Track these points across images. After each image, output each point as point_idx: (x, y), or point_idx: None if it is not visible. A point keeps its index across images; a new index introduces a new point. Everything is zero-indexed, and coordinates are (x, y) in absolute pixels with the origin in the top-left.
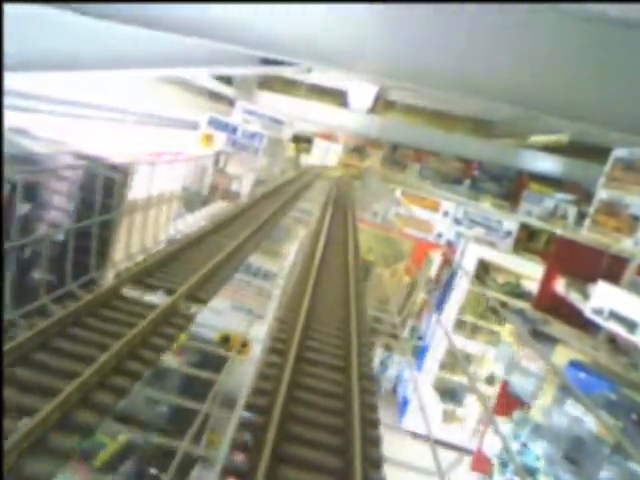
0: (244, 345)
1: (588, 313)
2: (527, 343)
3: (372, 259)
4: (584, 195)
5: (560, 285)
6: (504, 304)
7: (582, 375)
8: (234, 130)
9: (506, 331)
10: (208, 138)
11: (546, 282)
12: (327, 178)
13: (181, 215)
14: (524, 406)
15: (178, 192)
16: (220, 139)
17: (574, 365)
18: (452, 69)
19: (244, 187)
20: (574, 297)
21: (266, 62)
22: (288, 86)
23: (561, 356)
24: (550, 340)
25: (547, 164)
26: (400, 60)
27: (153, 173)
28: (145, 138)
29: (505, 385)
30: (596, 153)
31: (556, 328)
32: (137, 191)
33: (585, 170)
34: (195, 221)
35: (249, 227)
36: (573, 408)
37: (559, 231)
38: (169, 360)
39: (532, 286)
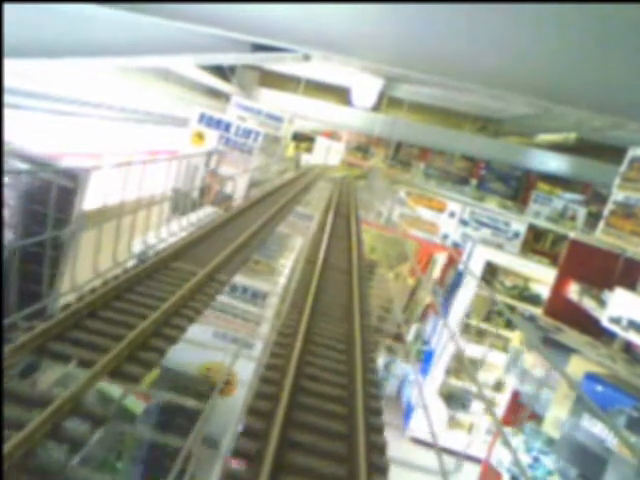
0: (228, 382)
1: (605, 322)
2: (539, 352)
3: (375, 259)
4: (594, 195)
5: (573, 291)
6: (512, 308)
7: (600, 388)
8: (227, 127)
9: (516, 338)
10: (199, 136)
11: (558, 287)
12: (329, 179)
13: (168, 220)
14: (536, 418)
15: (164, 195)
16: (212, 137)
17: (591, 377)
18: (457, 56)
19: (238, 189)
20: (588, 304)
21: (258, 49)
22: (290, 83)
23: (576, 367)
24: (564, 349)
25: (555, 163)
26: (403, 48)
27: (124, 176)
28: (135, 136)
29: (515, 395)
30: (606, 152)
31: (569, 336)
32: (98, 199)
33: (594, 170)
34: (176, 230)
35: (237, 238)
36: (590, 424)
37: (572, 234)
38: (132, 405)
39: (541, 289)
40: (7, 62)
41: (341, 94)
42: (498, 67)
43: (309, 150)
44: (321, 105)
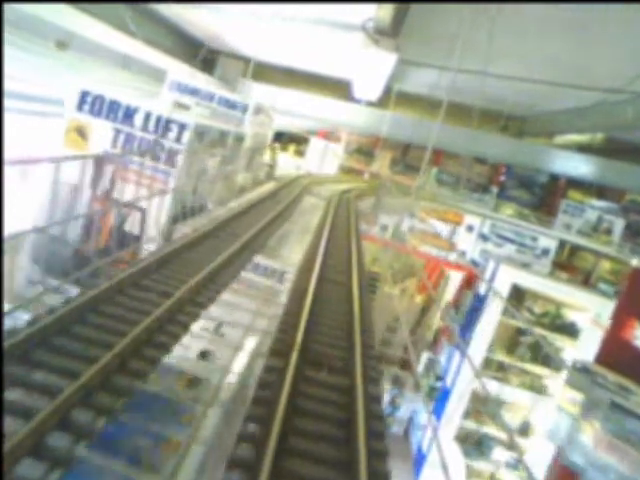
0: None
1: None
2: (614, 440)
3: (378, 271)
4: (629, 204)
5: (639, 336)
6: (544, 338)
7: None
8: (129, 116)
9: (562, 392)
10: (79, 132)
11: (617, 330)
12: (321, 196)
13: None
14: None
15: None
16: (103, 133)
17: None
18: None
19: (151, 225)
20: None
21: None
22: (282, 76)
23: None
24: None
25: (586, 168)
26: None
27: None
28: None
29: (562, 467)
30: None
31: None
32: None
33: (630, 175)
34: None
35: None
36: None
37: (635, 262)
38: None
39: (575, 316)
40: None
41: (341, 88)
42: None
43: (300, 154)
44: (318, 100)
